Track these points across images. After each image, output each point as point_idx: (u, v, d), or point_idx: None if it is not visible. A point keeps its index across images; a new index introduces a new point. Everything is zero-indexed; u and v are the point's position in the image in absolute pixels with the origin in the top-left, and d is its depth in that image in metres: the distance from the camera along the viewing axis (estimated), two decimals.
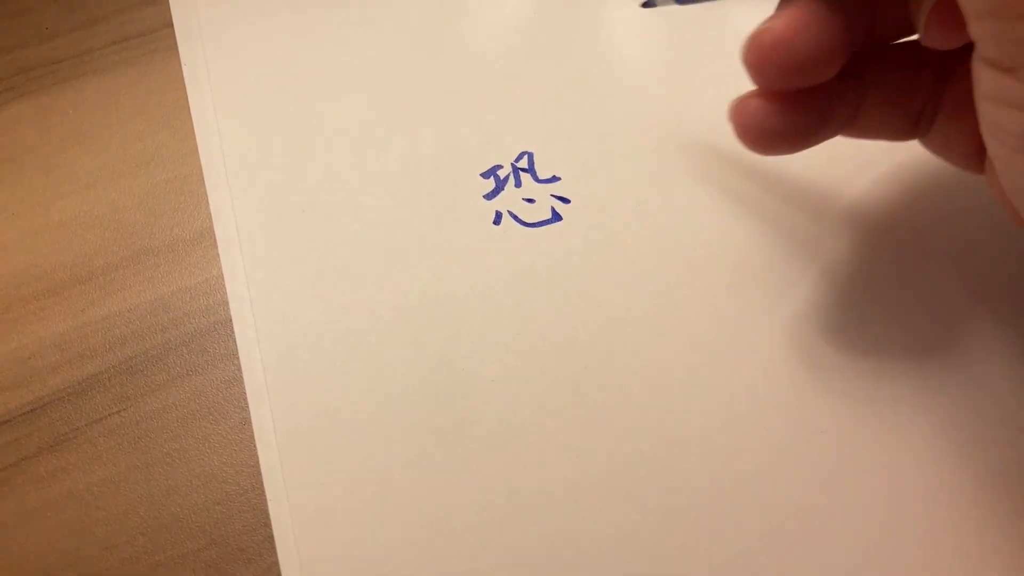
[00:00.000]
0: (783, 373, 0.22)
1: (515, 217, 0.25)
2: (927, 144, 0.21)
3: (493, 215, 0.25)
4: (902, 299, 0.22)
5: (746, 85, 0.19)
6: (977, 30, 0.15)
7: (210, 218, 0.26)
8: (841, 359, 0.22)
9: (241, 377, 0.23)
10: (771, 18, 0.19)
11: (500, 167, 0.26)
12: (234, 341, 0.24)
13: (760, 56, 0.18)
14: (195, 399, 0.24)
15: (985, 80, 0.16)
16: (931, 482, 0.20)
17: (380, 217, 0.25)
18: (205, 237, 0.26)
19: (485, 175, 0.26)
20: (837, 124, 0.20)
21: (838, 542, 0.20)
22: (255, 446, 0.22)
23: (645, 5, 0.24)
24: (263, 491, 0.21)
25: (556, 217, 0.25)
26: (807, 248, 0.24)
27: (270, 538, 0.21)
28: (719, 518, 0.20)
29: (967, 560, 0.19)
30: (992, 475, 0.20)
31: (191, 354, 0.24)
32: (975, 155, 0.20)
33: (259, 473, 0.22)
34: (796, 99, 0.19)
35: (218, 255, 0.25)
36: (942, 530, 0.20)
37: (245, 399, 0.23)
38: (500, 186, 0.26)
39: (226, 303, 0.24)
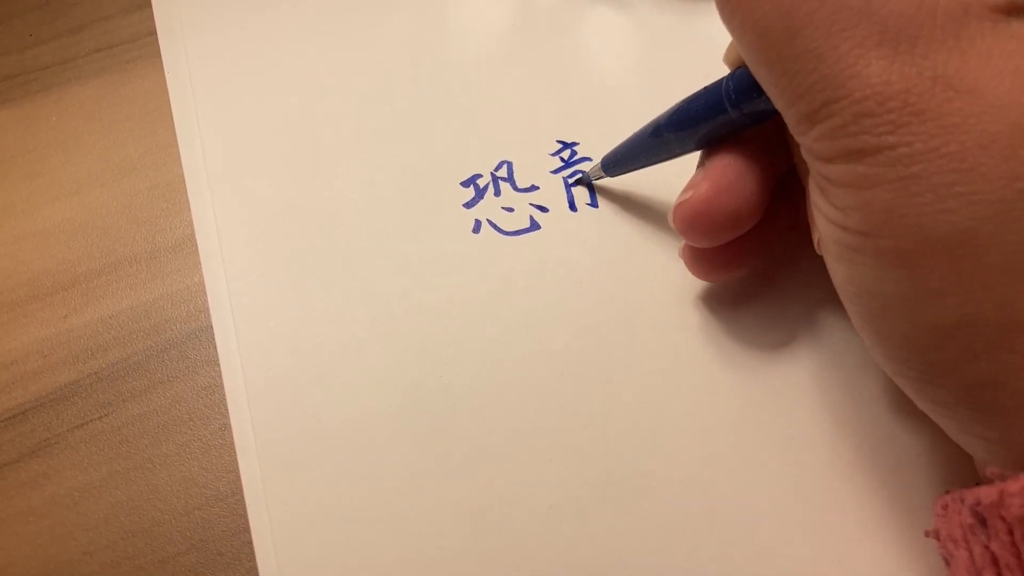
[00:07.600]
0: (764, 376, 0.22)
1: (494, 225, 0.25)
2: None
3: (472, 223, 0.25)
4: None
5: None
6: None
7: (192, 225, 0.26)
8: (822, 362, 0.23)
9: (221, 383, 0.23)
10: (693, 182, 0.21)
11: (480, 176, 0.26)
12: (214, 347, 0.24)
13: (685, 224, 0.20)
14: (176, 405, 0.24)
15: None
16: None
17: (360, 225, 0.25)
18: (186, 244, 0.26)
19: (465, 184, 0.26)
20: (775, 238, 0.22)
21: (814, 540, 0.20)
22: (235, 452, 0.22)
23: (577, 183, 0.26)
24: (242, 496, 0.22)
25: (535, 226, 0.25)
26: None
27: (249, 543, 0.21)
28: (697, 521, 0.21)
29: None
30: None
31: (172, 360, 0.24)
32: None
33: (239, 478, 0.22)
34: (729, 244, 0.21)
35: (199, 262, 0.25)
36: None
37: (225, 405, 0.23)
38: (479, 195, 0.26)
39: (207, 310, 0.25)
